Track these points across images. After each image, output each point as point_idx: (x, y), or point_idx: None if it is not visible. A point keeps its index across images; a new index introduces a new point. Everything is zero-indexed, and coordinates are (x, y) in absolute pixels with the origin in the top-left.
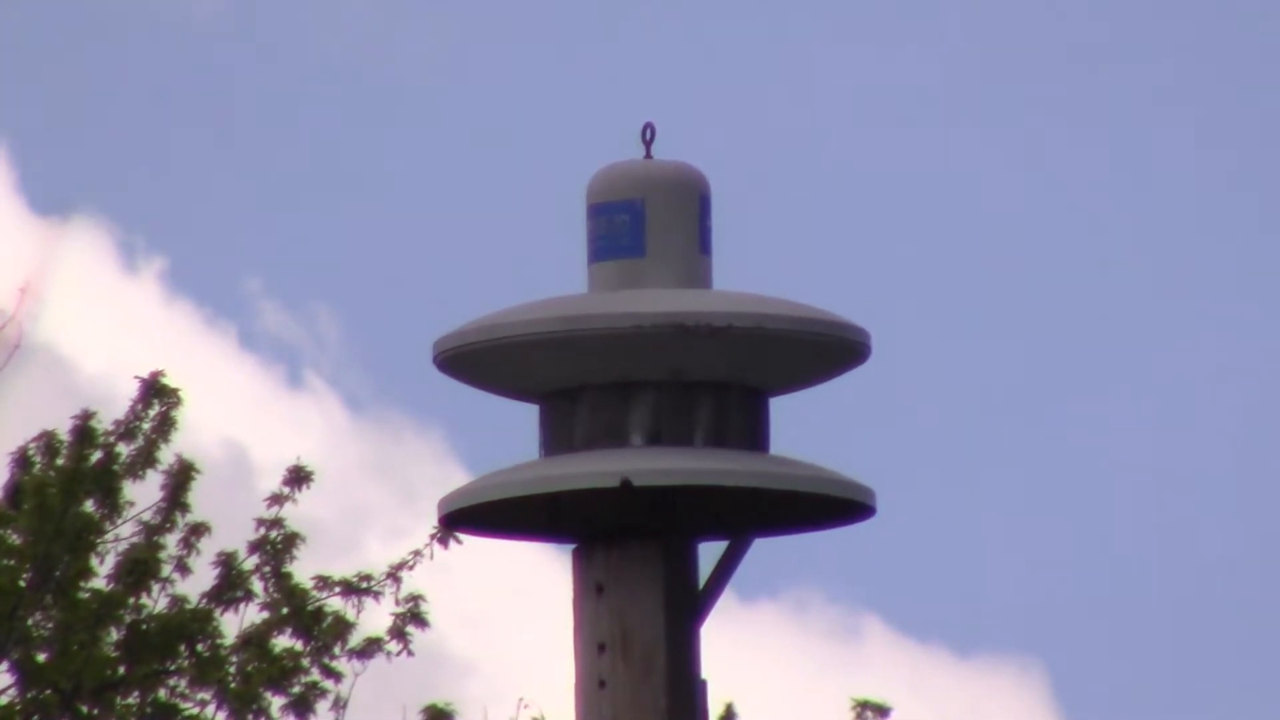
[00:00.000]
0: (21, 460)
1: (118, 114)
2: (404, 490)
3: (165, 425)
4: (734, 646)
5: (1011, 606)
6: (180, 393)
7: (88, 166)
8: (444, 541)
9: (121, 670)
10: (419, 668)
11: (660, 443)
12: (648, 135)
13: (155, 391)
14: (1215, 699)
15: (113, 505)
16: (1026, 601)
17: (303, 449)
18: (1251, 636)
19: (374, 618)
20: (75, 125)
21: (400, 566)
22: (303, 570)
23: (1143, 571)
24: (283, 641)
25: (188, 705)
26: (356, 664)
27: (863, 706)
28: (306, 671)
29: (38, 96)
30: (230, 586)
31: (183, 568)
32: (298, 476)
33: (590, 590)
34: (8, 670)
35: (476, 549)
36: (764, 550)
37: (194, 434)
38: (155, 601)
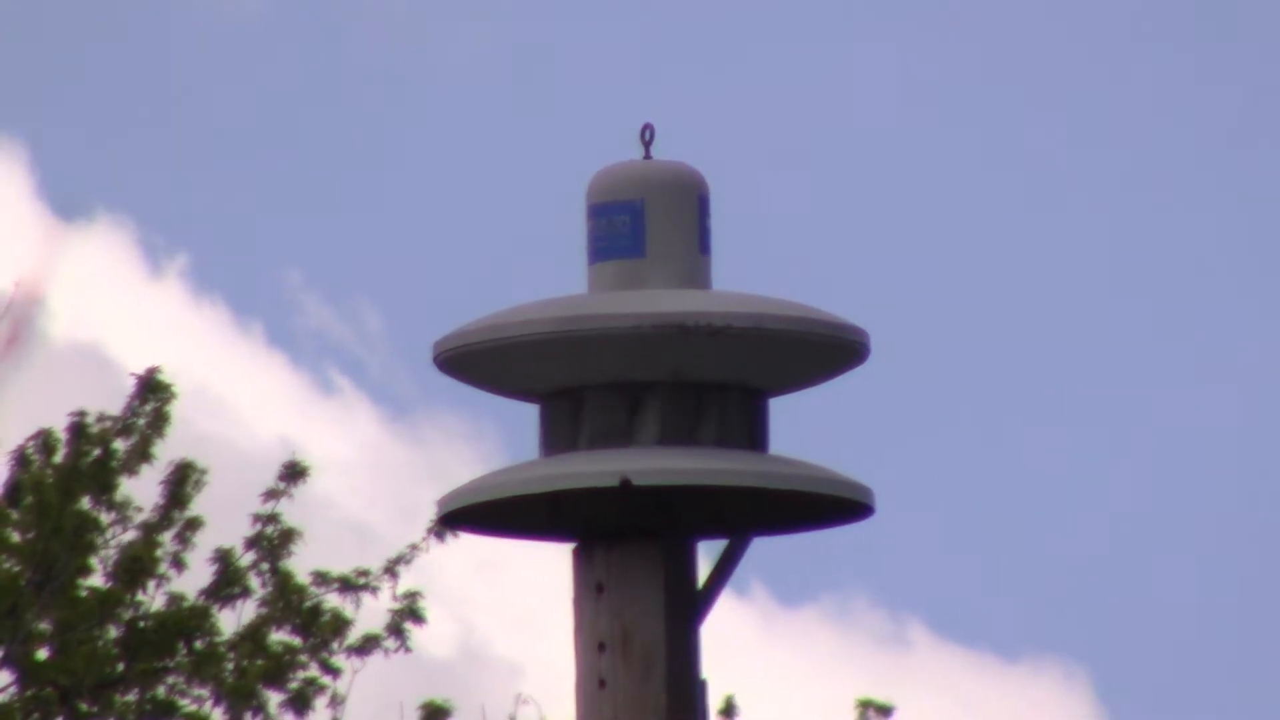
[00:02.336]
0: (20, 459)
1: (124, 114)
2: (442, 489)
3: (159, 421)
4: (776, 651)
5: (1053, 611)
6: (174, 388)
7: (105, 166)
8: (440, 538)
9: (120, 667)
10: (459, 669)
11: (660, 443)
12: (647, 136)
13: (150, 388)
14: (1263, 703)
15: (110, 503)
16: (1069, 605)
17: (343, 447)
18: None
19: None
20: (89, 125)
21: (397, 562)
22: (303, 566)
23: (1179, 575)
24: (280, 637)
25: (186, 702)
26: (355, 660)
27: (866, 706)
28: (304, 667)
29: (50, 97)
30: (227, 583)
31: (179, 564)
32: (293, 472)
33: (590, 590)
34: (7, 668)
35: (523, 551)
36: (800, 553)
37: (242, 429)
38: (153, 599)
